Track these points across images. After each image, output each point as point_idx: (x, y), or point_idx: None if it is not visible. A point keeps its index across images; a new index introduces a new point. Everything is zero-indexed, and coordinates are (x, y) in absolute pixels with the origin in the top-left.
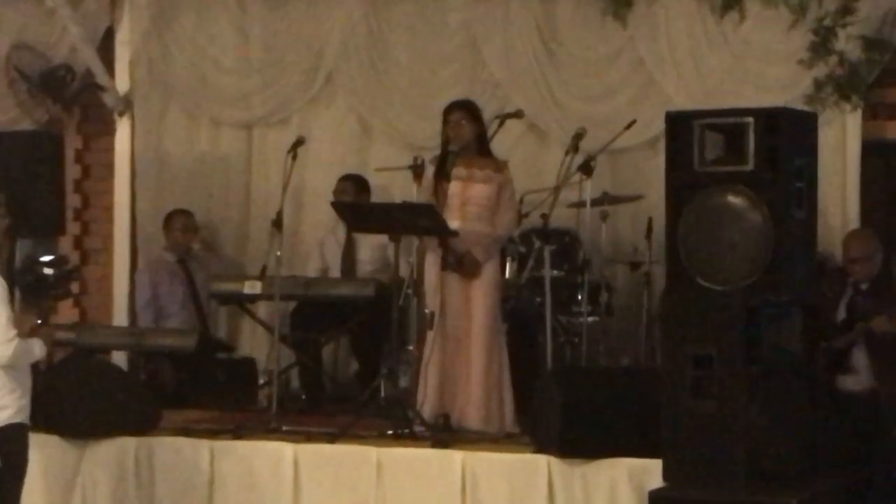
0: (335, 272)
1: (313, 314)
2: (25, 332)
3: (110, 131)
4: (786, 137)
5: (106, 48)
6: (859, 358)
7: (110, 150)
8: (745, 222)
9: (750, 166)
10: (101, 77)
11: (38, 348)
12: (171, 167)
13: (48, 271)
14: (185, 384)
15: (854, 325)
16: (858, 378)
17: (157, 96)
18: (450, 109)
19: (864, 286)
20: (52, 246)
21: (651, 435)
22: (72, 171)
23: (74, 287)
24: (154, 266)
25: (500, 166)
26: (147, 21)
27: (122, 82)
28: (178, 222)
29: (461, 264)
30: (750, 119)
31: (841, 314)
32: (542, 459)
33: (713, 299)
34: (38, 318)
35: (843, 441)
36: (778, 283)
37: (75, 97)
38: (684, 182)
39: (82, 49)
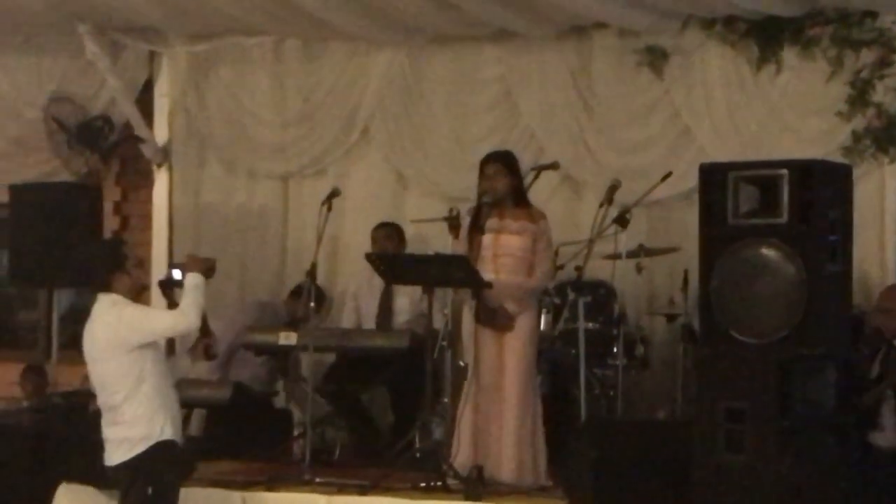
0: (370, 322)
1: (350, 366)
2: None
3: (148, 183)
4: (820, 190)
5: (144, 100)
6: (888, 415)
7: (148, 201)
8: (779, 275)
9: (784, 219)
10: (139, 129)
11: (199, 293)
12: (208, 218)
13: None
14: (220, 435)
15: (884, 380)
16: (885, 435)
17: (194, 148)
18: (486, 161)
19: None
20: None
21: (684, 488)
22: (110, 223)
23: None
24: (265, 307)
25: (537, 217)
26: (185, 73)
27: (160, 134)
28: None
29: (494, 318)
30: (784, 171)
31: (876, 371)
32: None
33: (746, 353)
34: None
35: (874, 497)
36: (811, 337)
37: (114, 149)
38: (718, 234)
39: (121, 101)
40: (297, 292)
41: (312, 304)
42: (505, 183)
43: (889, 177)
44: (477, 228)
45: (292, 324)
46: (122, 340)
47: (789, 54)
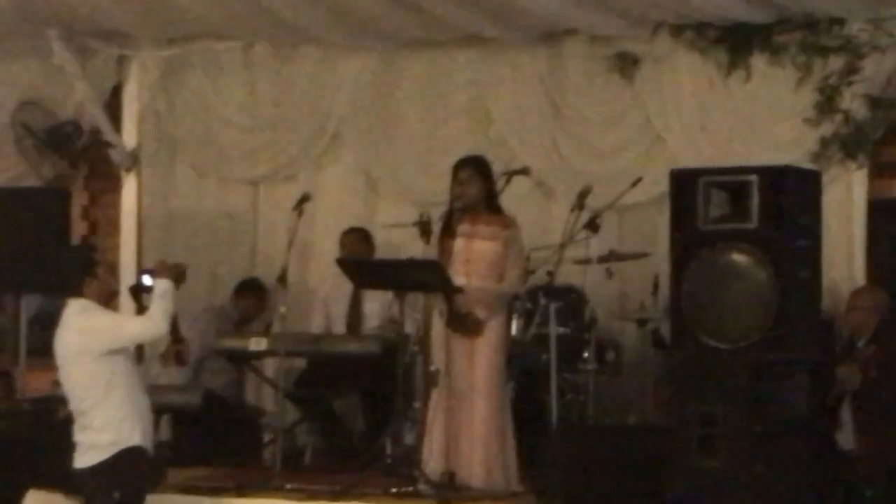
0: (340, 328)
1: (321, 371)
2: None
3: (117, 188)
4: (790, 195)
5: (113, 105)
6: (846, 415)
7: (117, 206)
8: (750, 280)
9: (754, 224)
10: (108, 133)
11: (167, 299)
12: (177, 223)
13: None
14: (190, 441)
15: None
16: (844, 435)
17: (164, 153)
18: (459, 166)
19: (860, 343)
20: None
21: (657, 493)
22: (79, 228)
23: None
24: (219, 311)
25: (508, 223)
26: (155, 78)
27: (129, 139)
28: (262, 297)
29: (463, 324)
30: (754, 177)
31: None
32: None
33: (718, 357)
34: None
35: (841, 499)
36: (783, 342)
37: (82, 153)
38: (688, 239)
39: (90, 106)
40: (240, 289)
41: (284, 310)
42: (478, 188)
43: (856, 183)
44: (448, 233)
45: (242, 322)
46: (91, 346)
47: (758, 61)
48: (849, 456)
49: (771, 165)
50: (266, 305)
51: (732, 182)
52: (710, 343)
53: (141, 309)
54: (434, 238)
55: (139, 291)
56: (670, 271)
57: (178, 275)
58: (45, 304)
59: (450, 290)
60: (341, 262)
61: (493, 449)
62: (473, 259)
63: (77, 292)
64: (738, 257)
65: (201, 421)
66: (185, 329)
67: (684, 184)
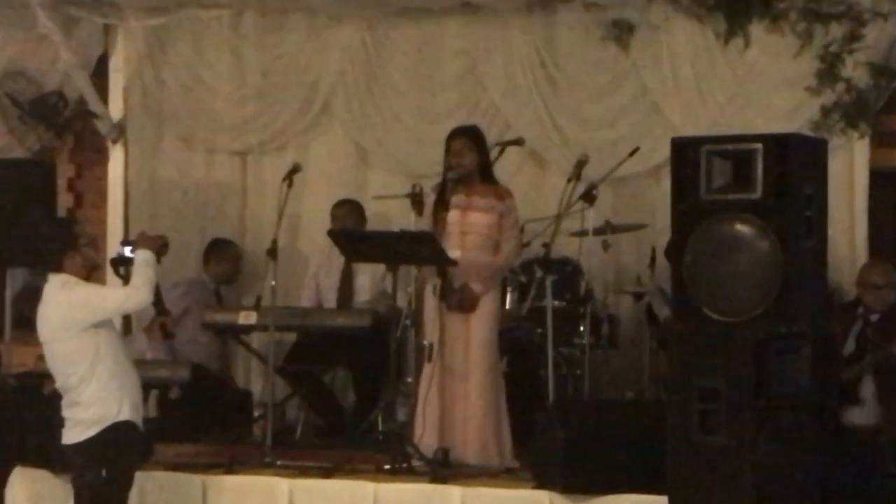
0: (330, 302)
1: (311, 346)
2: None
3: (103, 159)
4: (795, 164)
5: (99, 75)
6: (867, 390)
7: (103, 178)
8: (753, 251)
9: (758, 194)
10: (94, 104)
11: (149, 269)
12: (164, 195)
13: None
14: (179, 417)
15: (864, 356)
16: (865, 411)
17: (150, 123)
18: (452, 136)
19: (874, 317)
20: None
21: (656, 470)
22: (64, 200)
23: None
24: (189, 287)
25: (503, 194)
26: (141, 47)
27: (115, 109)
28: (229, 253)
29: (459, 297)
30: (758, 145)
31: (850, 347)
32: (543, 495)
33: (721, 331)
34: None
35: (848, 476)
36: (787, 314)
37: (68, 124)
38: (691, 210)
39: (75, 76)
40: (206, 254)
41: (274, 283)
42: (472, 158)
43: (858, 152)
44: (442, 205)
45: (219, 286)
46: (74, 321)
47: (757, 28)
48: (865, 432)
49: (775, 133)
50: (239, 263)
51: (736, 151)
52: (712, 316)
53: (124, 281)
54: (427, 210)
55: (120, 264)
56: (673, 243)
57: (159, 246)
58: (31, 277)
59: (444, 263)
60: (333, 234)
61: (488, 425)
62: (468, 231)
63: (58, 267)
64: (742, 228)
65: (189, 396)
66: (171, 302)
67: (686, 153)
